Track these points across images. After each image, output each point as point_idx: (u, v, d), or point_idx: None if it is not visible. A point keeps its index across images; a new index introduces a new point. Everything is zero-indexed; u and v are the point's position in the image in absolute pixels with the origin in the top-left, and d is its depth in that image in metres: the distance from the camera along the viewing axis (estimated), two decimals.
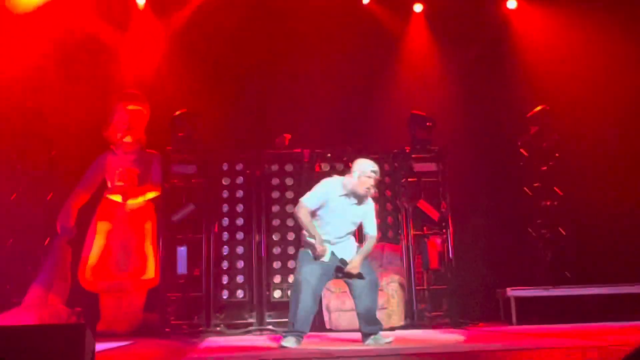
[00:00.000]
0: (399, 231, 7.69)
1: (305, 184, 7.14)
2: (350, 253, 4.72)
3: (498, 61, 9.30)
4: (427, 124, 7.95)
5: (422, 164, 7.96)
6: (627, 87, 8.60)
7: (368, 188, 4.59)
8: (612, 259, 8.30)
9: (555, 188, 8.55)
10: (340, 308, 6.92)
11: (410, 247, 7.59)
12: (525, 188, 8.67)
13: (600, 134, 8.60)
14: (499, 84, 9.24)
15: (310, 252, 4.65)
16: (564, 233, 8.38)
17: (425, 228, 7.81)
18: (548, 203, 8.44)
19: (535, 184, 8.68)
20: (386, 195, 7.81)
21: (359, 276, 4.65)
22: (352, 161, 5.06)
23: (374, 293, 4.69)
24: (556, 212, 8.43)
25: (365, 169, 4.65)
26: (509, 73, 9.20)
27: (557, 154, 8.55)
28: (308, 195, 4.68)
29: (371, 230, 4.80)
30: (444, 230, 7.62)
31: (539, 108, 8.58)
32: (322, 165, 7.96)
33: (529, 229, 8.60)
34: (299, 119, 8.87)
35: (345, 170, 6.70)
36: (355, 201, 4.69)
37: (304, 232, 4.71)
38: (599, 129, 8.59)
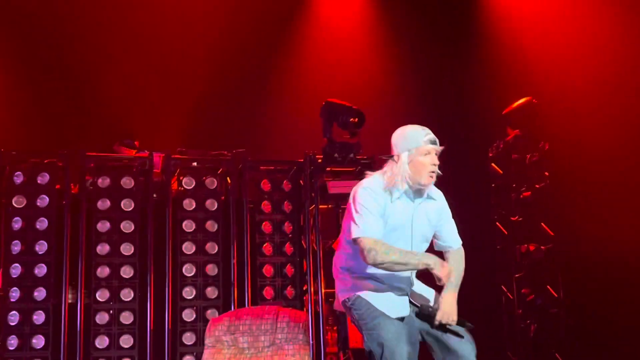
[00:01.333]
0: (304, 288, 7.04)
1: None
2: (429, 291, 4.10)
3: (463, 42, 9.33)
4: (352, 119, 7.04)
5: (342, 182, 7.23)
6: None
7: (432, 171, 3.90)
8: (627, 334, 7.55)
9: (543, 224, 8.01)
10: None
11: (321, 313, 6.90)
12: (498, 223, 8.21)
13: (613, 143, 7.85)
14: (466, 72, 9.18)
15: (375, 299, 3.96)
16: (556, 295, 7.86)
17: None
18: (532, 248, 7.96)
19: (513, 217, 8.17)
20: (284, 231, 7.06)
21: (463, 324, 3.92)
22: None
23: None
24: (545, 262, 7.96)
25: (418, 140, 3.93)
26: (480, 58, 9.16)
27: (546, 172, 7.99)
28: (361, 220, 3.89)
29: (453, 237, 4.17)
30: None
31: (522, 101, 8.08)
32: (184, 180, 6.93)
33: (503, 287, 8.10)
34: (152, 116, 8.57)
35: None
36: (419, 199, 4.01)
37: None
38: (613, 137, 7.87)
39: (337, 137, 7.17)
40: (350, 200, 4.03)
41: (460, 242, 4.23)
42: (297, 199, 7.14)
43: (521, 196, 8.17)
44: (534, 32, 8.80)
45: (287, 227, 7.03)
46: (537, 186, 8.07)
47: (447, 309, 3.96)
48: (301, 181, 7.18)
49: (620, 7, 8.04)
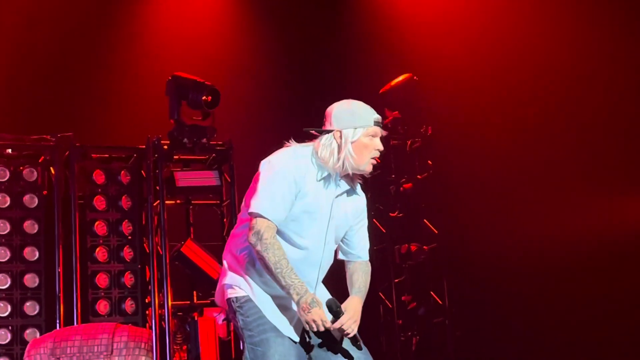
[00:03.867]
0: (147, 301, 7.19)
1: None
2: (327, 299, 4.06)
3: (335, 15, 9.46)
4: (204, 97, 7.22)
5: (192, 173, 7.49)
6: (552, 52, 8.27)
7: (374, 158, 3.97)
8: (519, 345, 7.90)
9: (425, 221, 8.32)
10: None
11: (168, 330, 7.04)
12: (375, 220, 8.26)
13: (504, 125, 8.28)
14: (339, 47, 9.33)
15: (269, 309, 4.00)
16: (440, 302, 8.14)
17: (195, 294, 7.49)
18: (414, 248, 8.19)
19: (392, 213, 8.43)
20: (121, 232, 7.14)
21: (355, 341, 3.96)
22: None
23: None
24: (428, 264, 8.24)
25: (368, 119, 3.95)
26: (355, 31, 9.32)
27: (429, 161, 8.31)
28: (265, 197, 3.91)
29: (364, 247, 4.23)
30: None
31: (401, 78, 8.26)
32: None
33: (380, 294, 8.26)
34: None
35: None
36: (344, 188, 4.02)
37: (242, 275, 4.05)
38: (503, 118, 8.33)
39: (186, 119, 7.21)
40: (261, 168, 4.04)
41: (368, 256, 4.30)
42: (138, 193, 7.17)
43: (401, 188, 8.29)
44: (415, 8, 8.93)
45: (126, 227, 7.06)
46: (419, 177, 8.26)
47: (352, 315, 3.97)
48: (143, 172, 7.20)
49: None
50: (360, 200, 4.17)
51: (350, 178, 4.06)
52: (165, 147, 7.19)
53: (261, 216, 3.87)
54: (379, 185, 8.43)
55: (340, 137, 3.94)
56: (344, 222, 4.14)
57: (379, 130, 4.00)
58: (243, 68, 9.13)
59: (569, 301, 7.64)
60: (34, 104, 8.43)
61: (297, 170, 3.95)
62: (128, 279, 6.98)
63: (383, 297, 8.29)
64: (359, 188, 4.15)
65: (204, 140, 7.27)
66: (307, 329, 3.88)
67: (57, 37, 8.63)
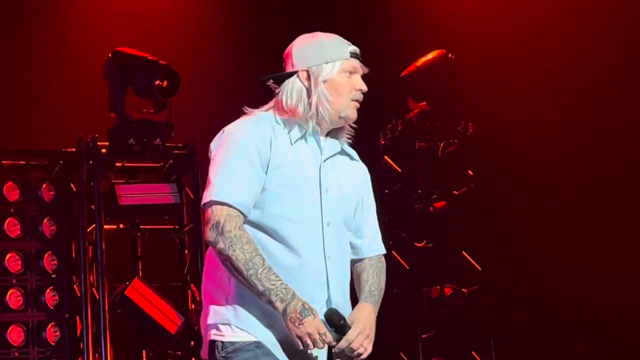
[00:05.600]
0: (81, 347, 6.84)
1: None
2: (346, 302, 3.87)
3: None
4: (157, 82, 6.82)
5: (141, 187, 7.16)
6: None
7: (356, 100, 3.87)
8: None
9: (464, 254, 7.98)
10: None
11: None
12: (394, 253, 7.89)
13: (577, 125, 7.97)
14: (346, 20, 8.77)
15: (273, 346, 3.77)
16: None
17: (145, 354, 7.20)
18: (449, 291, 7.88)
19: (419, 243, 8.09)
20: (42, 268, 6.72)
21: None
22: None
23: None
24: (468, 314, 7.82)
25: (341, 51, 3.88)
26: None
27: (470, 171, 7.96)
28: (217, 178, 3.67)
29: (375, 238, 4.01)
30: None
31: (431, 56, 7.96)
32: None
33: (402, 354, 8.05)
34: None
35: None
36: (334, 153, 3.89)
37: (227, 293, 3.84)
38: (575, 116, 7.98)
39: (133, 112, 6.84)
40: (212, 146, 3.82)
41: (384, 248, 4.11)
42: (65, 214, 6.79)
43: (431, 209, 7.91)
44: None
45: (49, 262, 6.59)
46: (455, 193, 7.91)
47: (362, 328, 3.73)
48: (73, 185, 6.80)
49: None
50: (359, 167, 4.00)
51: (336, 137, 3.90)
52: (104, 150, 6.79)
53: (218, 203, 3.62)
54: (399, 204, 8.24)
55: (308, 77, 3.79)
56: (344, 197, 3.89)
57: (357, 65, 3.87)
58: (211, 46, 8.94)
59: None
60: None
61: (260, 137, 3.74)
62: (51, 334, 6.48)
63: (406, 359, 7.92)
64: (354, 153, 4.01)
65: (158, 141, 6.91)
66: (300, 347, 3.65)
67: None
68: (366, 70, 3.90)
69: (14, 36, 8.75)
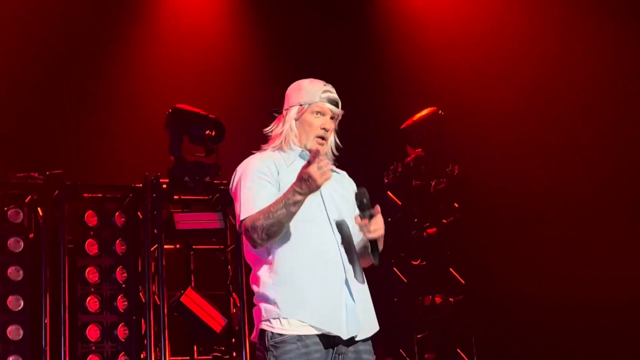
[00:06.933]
0: (142, 357, 7.15)
1: None
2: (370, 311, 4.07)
3: (354, 40, 9.58)
4: (207, 132, 7.32)
5: (194, 215, 7.54)
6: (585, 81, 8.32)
7: (321, 136, 4.12)
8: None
9: (451, 270, 8.32)
10: None
11: None
12: (395, 269, 8.43)
13: (537, 163, 8.40)
14: (357, 79, 9.22)
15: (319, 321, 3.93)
16: None
17: (196, 349, 7.50)
18: (439, 300, 8.24)
19: (414, 261, 8.48)
20: (115, 279, 7.09)
21: (375, 248, 3.98)
22: None
23: None
24: (454, 318, 8.20)
25: (313, 95, 4.15)
26: (377, 61, 9.43)
27: (456, 204, 8.35)
28: (244, 198, 3.95)
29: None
30: None
31: (424, 112, 8.37)
32: None
33: (401, 351, 8.29)
34: None
35: None
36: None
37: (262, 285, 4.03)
38: (536, 157, 8.43)
39: (188, 156, 7.27)
40: (232, 184, 4.16)
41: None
42: (133, 236, 7.16)
43: (425, 234, 8.31)
44: (441, 31, 9.02)
45: (120, 274, 7.04)
46: (444, 221, 8.28)
47: (379, 224, 3.94)
48: (139, 213, 7.19)
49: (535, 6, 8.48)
50: (346, 177, 4.28)
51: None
52: (165, 186, 7.17)
53: (246, 217, 3.88)
54: (400, 230, 8.45)
55: (287, 114, 4.13)
56: (342, 197, 4.17)
57: (326, 108, 4.12)
58: (250, 100, 9.03)
59: None
60: (21, 138, 8.38)
61: (265, 165, 4.02)
62: (121, 332, 6.93)
63: (404, 354, 8.19)
64: (341, 171, 4.27)
65: (207, 178, 7.26)
66: (318, 182, 3.79)
67: (46, 66, 8.65)
68: (339, 111, 4.21)
69: (97, 94, 8.82)
